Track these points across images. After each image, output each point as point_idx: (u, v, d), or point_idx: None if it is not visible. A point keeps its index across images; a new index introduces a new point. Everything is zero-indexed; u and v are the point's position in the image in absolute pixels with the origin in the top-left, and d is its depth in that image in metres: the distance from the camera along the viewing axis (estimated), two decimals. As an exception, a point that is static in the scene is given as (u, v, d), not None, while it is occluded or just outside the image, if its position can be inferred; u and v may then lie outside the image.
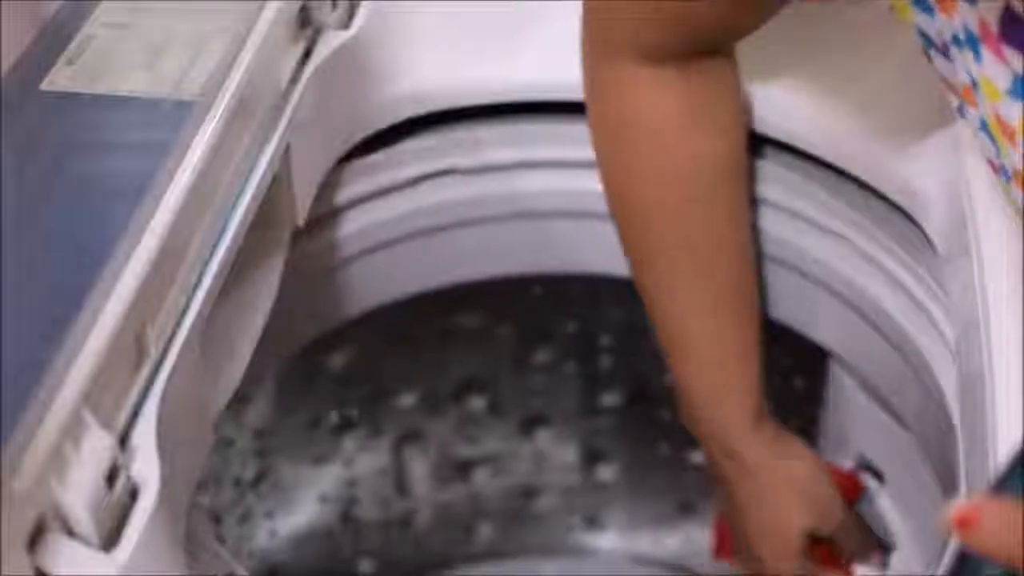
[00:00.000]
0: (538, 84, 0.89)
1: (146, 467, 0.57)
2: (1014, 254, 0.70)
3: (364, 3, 0.84)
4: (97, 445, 0.54)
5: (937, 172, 0.79)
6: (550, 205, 0.94)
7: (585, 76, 0.81)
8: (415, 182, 0.91)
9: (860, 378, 0.92)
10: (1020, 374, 0.64)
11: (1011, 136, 0.56)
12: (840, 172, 0.84)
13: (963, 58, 0.57)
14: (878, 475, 0.94)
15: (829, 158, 0.84)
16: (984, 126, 0.59)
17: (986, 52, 0.54)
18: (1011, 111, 0.55)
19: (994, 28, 0.53)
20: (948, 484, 0.75)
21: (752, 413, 0.84)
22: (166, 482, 0.56)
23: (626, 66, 0.78)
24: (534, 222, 0.94)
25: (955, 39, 0.57)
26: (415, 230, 0.92)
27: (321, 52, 0.80)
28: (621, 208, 0.83)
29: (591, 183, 0.89)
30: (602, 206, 0.90)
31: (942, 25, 0.58)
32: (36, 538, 0.51)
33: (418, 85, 0.88)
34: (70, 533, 0.53)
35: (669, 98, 0.78)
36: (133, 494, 0.56)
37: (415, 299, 0.96)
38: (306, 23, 0.80)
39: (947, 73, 0.60)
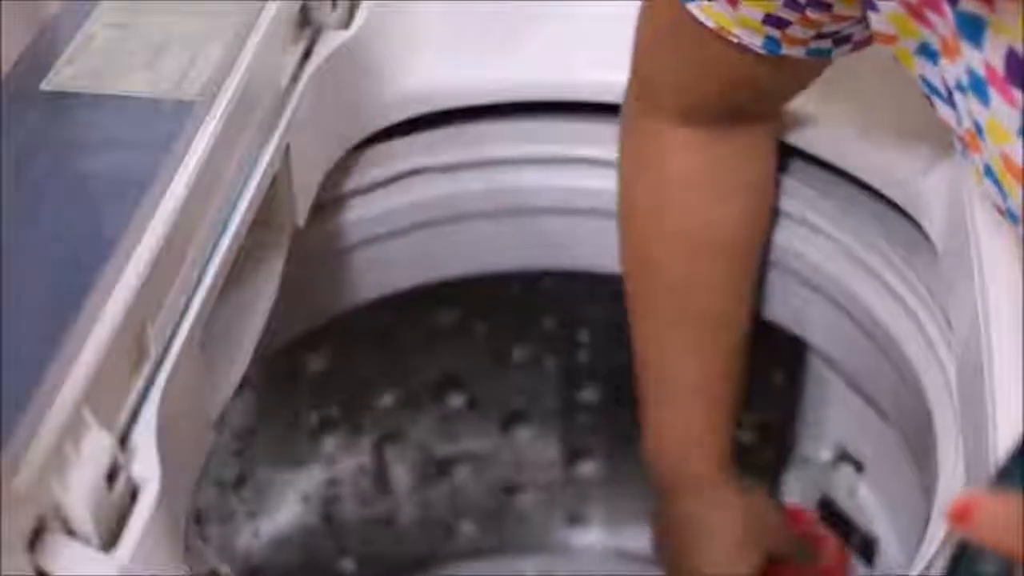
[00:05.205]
0: (537, 84, 0.89)
1: (146, 467, 0.57)
2: (1014, 254, 0.70)
3: (364, 3, 0.84)
4: (97, 445, 0.54)
5: (937, 171, 0.79)
6: (539, 201, 0.94)
7: (622, 120, 0.83)
8: (399, 178, 0.91)
9: (839, 369, 0.93)
10: (1020, 373, 0.64)
11: (1018, 175, 0.56)
12: (840, 172, 0.85)
13: (967, 103, 0.57)
14: (857, 464, 0.95)
15: (829, 157, 0.84)
16: (988, 171, 0.59)
17: (994, 94, 0.55)
18: (1021, 151, 0.55)
19: (1000, 70, 0.53)
20: (926, 473, 0.76)
21: (717, 467, 0.88)
22: (166, 482, 0.56)
23: (661, 122, 0.80)
24: (521, 218, 0.95)
25: (959, 85, 0.57)
26: (400, 227, 0.93)
27: (321, 52, 0.80)
28: (630, 253, 0.85)
29: (583, 180, 0.90)
30: (592, 203, 0.90)
31: (946, 71, 0.58)
32: (36, 538, 0.51)
33: (418, 85, 0.88)
34: (70, 533, 0.53)
35: (697, 161, 0.81)
36: (133, 494, 0.56)
37: (393, 298, 0.97)
38: (306, 23, 0.80)
39: (952, 121, 0.60)
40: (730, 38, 0.70)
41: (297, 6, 0.78)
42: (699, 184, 0.81)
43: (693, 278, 0.84)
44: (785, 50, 0.70)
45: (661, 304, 0.85)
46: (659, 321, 0.86)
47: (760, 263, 0.87)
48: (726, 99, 0.77)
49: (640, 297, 0.86)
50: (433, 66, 0.88)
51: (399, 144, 0.90)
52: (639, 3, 0.76)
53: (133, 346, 0.59)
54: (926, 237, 0.80)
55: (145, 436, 0.58)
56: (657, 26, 0.76)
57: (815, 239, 0.86)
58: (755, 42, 0.69)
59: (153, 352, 0.61)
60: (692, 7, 0.70)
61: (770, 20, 0.68)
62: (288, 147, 0.76)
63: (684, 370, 0.86)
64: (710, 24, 0.69)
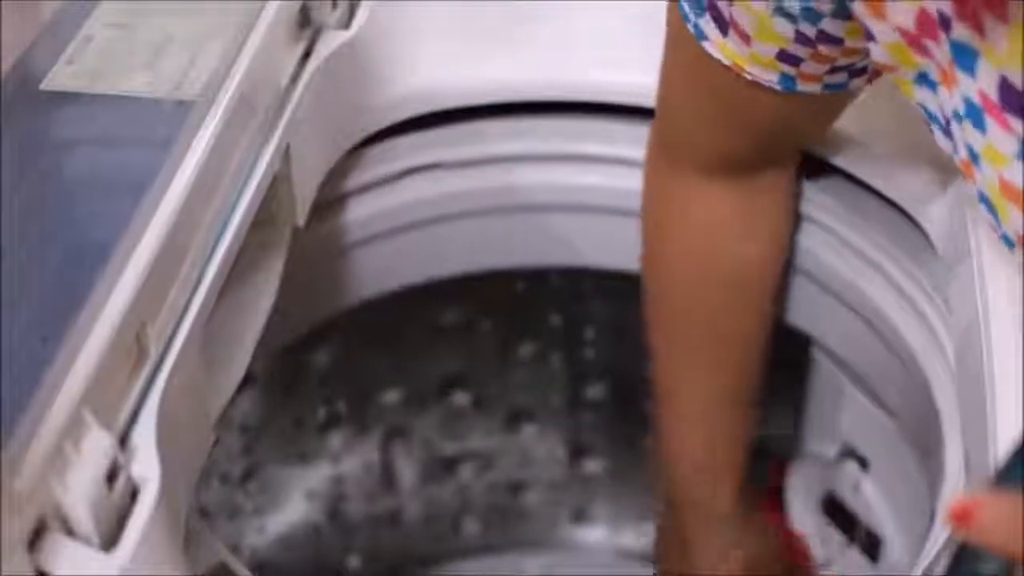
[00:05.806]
0: (537, 84, 0.89)
1: (146, 467, 0.57)
2: (1014, 257, 0.69)
3: (364, 3, 0.84)
4: (97, 445, 0.54)
5: (939, 173, 0.79)
6: (543, 198, 0.94)
7: (645, 167, 0.83)
8: (403, 175, 0.91)
9: (846, 366, 0.93)
10: (1020, 374, 0.64)
11: (1016, 198, 0.56)
12: (840, 172, 0.85)
13: (962, 132, 0.57)
14: (863, 462, 0.95)
15: (830, 158, 0.84)
16: (983, 198, 0.59)
17: (990, 121, 0.55)
18: (1021, 174, 0.55)
19: (994, 98, 0.54)
20: (932, 471, 0.76)
21: (728, 494, 0.89)
22: (166, 482, 0.56)
23: (684, 172, 0.80)
24: (526, 215, 0.95)
25: (955, 114, 0.57)
26: (403, 224, 0.93)
27: (321, 52, 0.80)
28: (656, 300, 0.86)
29: (587, 176, 0.90)
30: (597, 199, 0.91)
31: (944, 101, 0.58)
32: (36, 538, 0.51)
33: (418, 85, 0.88)
34: (70, 533, 0.53)
35: (720, 210, 0.81)
36: (133, 494, 0.56)
37: (399, 296, 0.97)
38: (306, 23, 0.80)
39: (949, 150, 0.61)
40: (745, 75, 0.69)
41: (297, 6, 0.78)
42: (724, 232, 0.82)
43: (717, 306, 0.84)
44: (801, 87, 0.69)
45: (683, 329, 0.86)
46: (682, 346, 0.86)
47: (780, 287, 0.88)
48: (746, 142, 0.77)
49: (663, 321, 0.86)
50: (433, 66, 0.88)
51: (401, 141, 0.90)
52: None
53: (133, 346, 0.59)
54: (928, 238, 0.80)
55: (145, 436, 0.58)
56: (677, 69, 0.76)
57: (824, 238, 0.86)
58: (771, 79, 0.69)
59: (153, 352, 0.61)
60: (708, 46, 0.69)
61: (783, 57, 0.67)
62: (288, 147, 0.76)
63: (706, 391, 0.87)
64: (726, 62, 0.69)
